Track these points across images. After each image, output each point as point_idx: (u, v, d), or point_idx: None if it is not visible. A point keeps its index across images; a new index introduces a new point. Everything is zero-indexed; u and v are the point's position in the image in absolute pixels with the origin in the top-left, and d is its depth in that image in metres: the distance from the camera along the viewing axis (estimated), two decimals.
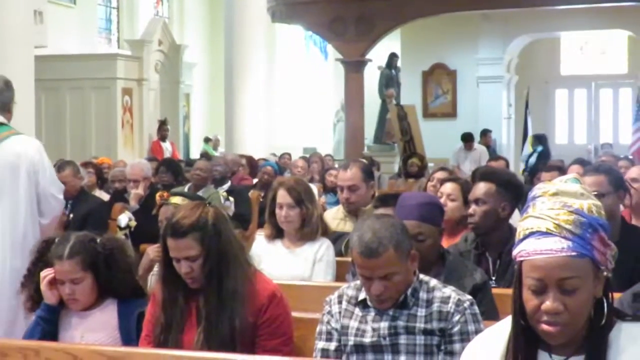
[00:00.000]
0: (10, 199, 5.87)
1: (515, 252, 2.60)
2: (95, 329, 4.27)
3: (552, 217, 2.53)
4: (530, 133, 19.34)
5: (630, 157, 14.45)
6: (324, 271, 5.65)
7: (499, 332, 2.73)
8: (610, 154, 15.57)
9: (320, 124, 27.46)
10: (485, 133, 20.07)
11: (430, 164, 15.13)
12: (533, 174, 10.03)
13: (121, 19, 23.52)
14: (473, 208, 5.16)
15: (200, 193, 9.20)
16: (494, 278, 5.05)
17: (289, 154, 17.04)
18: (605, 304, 2.60)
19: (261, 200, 10.24)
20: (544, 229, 2.53)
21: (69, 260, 4.20)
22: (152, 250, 5.46)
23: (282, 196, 5.68)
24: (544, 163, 15.55)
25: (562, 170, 8.58)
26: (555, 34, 23.68)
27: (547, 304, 2.49)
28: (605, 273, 2.58)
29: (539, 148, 18.46)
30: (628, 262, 4.69)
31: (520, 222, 2.63)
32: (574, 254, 2.49)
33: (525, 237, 2.57)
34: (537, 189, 2.64)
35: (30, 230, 5.83)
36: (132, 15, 23.54)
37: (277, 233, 5.80)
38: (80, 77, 18.37)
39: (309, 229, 5.71)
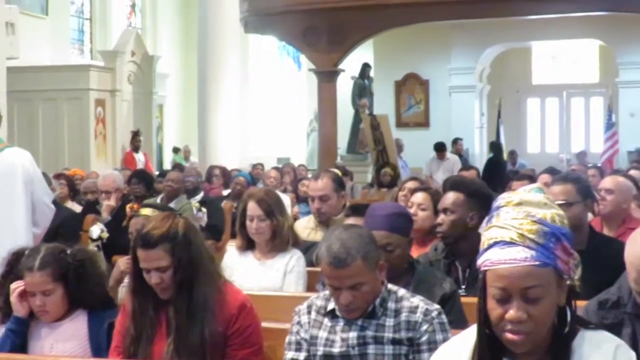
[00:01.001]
0: (9, 209, 5.92)
1: (479, 261, 2.63)
2: (65, 339, 4.27)
3: (515, 226, 2.57)
4: (503, 142, 19.44)
5: (599, 165, 14.54)
6: (295, 282, 5.66)
7: (465, 341, 2.75)
8: (581, 163, 15.70)
9: (293, 134, 27.47)
10: (455, 141, 20.15)
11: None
12: (484, 180, 10.11)
13: (94, 30, 23.45)
14: (441, 217, 5.20)
15: (172, 204, 9.20)
16: (463, 287, 5.07)
17: (262, 165, 17.03)
18: (569, 313, 2.64)
19: (234, 211, 10.24)
20: (507, 239, 2.56)
21: (40, 272, 4.19)
22: (122, 262, 5.46)
23: (252, 208, 5.69)
24: (493, 170, 15.64)
25: (532, 179, 8.63)
26: (527, 43, 23.78)
27: (511, 312, 2.52)
28: (568, 282, 2.62)
29: (489, 155, 18.58)
30: (596, 270, 4.73)
31: (484, 232, 2.66)
32: (537, 263, 2.52)
33: (490, 246, 2.60)
34: (501, 199, 2.67)
35: (30, 240, 5.85)
36: (105, 26, 23.48)
37: (248, 244, 5.80)
38: (52, 88, 18.29)
39: (280, 240, 5.71)
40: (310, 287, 5.62)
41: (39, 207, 6.08)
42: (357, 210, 5.51)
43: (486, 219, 2.73)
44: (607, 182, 6.38)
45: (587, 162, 17.64)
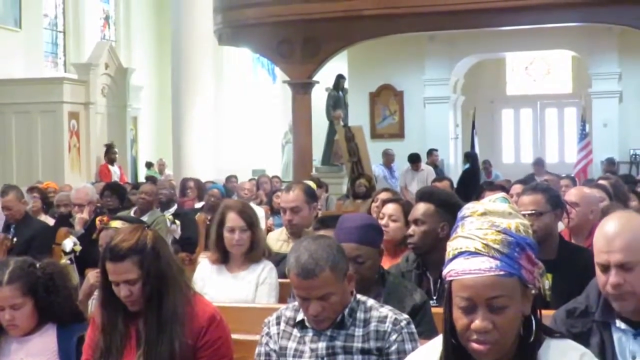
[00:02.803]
0: None
1: (445, 271, 2.64)
2: (34, 354, 4.25)
3: (480, 236, 2.58)
4: (478, 153, 19.46)
5: (572, 175, 14.58)
6: (267, 294, 5.66)
7: (431, 351, 2.76)
8: (537, 173, 15.77)
9: (268, 146, 27.45)
10: (431, 152, 20.18)
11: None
12: (458, 191, 10.16)
13: (67, 43, 23.37)
14: (412, 228, 5.20)
15: (145, 217, 9.18)
16: (435, 298, 5.07)
17: (236, 177, 17.00)
18: (534, 321, 2.65)
19: (207, 223, 10.21)
20: (472, 249, 2.57)
21: (9, 286, 4.17)
22: (92, 276, 5.45)
23: (234, 219, 5.67)
24: (469, 181, 15.66)
25: (506, 190, 8.65)
26: (501, 54, 23.87)
27: (477, 322, 2.53)
28: (533, 291, 2.63)
29: (466, 166, 18.59)
30: (566, 280, 4.76)
31: (449, 242, 2.67)
32: (502, 273, 2.54)
33: (455, 256, 2.61)
34: (466, 209, 2.69)
35: None
36: (79, 38, 23.40)
37: (223, 257, 5.78)
38: (26, 101, 18.29)
39: (256, 252, 5.73)
40: (283, 299, 5.61)
41: None
42: (326, 222, 5.51)
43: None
44: (572, 194, 6.40)
45: (544, 171, 17.69)
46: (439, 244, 5.07)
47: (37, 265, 4.32)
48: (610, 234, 3.28)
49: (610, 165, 18.13)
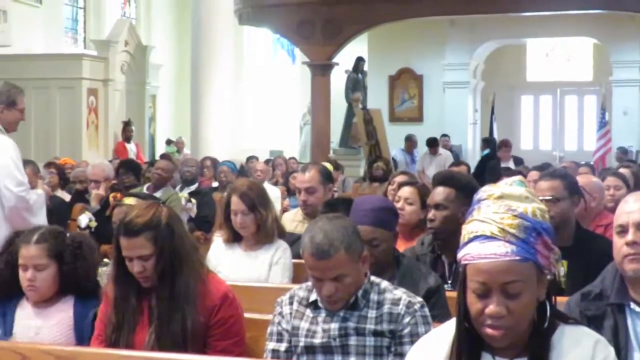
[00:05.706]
0: None
1: (459, 255, 2.62)
2: (49, 326, 4.27)
3: (496, 221, 2.55)
4: (497, 139, 19.40)
5: (592, 163, 14.53)
6: (280, 274, 5.66)
7: (444, 334, 2.74)
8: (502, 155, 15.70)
9: (287, 127, 27.43)
10: (441, 138, 19.99)
11: None
12: (476, 176, 10.06)
13: (87, 19, 23.39)
14: (433, 213, 5.13)
15: (158, 193, 9.13)
16: (449, 282, 5.05)
17: (257, 158, 16.98)
18: (548, 307, 2.63)
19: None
20: (488, 233, 2.55)
21: (37, 245, 4.24)
22: None
23: (236, 203, 5.66)
24: (491, 166, 15.56)
25: (523, 176, 8.61)
26: (522, 40, 23.73)
27: (491, 307, 2.51)
28: (548, 276, 2.61)
29: (485, 151, 18.49)
30: (582, 266, 4.73)
31: (465, 226, 2.65)
32: (517, 258, 2.51)
33: (470, 240, 2.59)
34: (482, 192, 2.66)
35: None
36: (99, 15, 23.43)
37: (235, 236, 5.78)
38: (45, 76, 18.28)
39: (264, 233, 5.70)
40: (297, 279, 5.61)
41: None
42: (334, 206, 5.47)
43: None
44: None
45: (509, 155, 17.45)
46: (459, 228, 5.01)
47: (67, 234, 4.40)
48: (631, 199, 3.42)
49: (622, 154, 18.05)
